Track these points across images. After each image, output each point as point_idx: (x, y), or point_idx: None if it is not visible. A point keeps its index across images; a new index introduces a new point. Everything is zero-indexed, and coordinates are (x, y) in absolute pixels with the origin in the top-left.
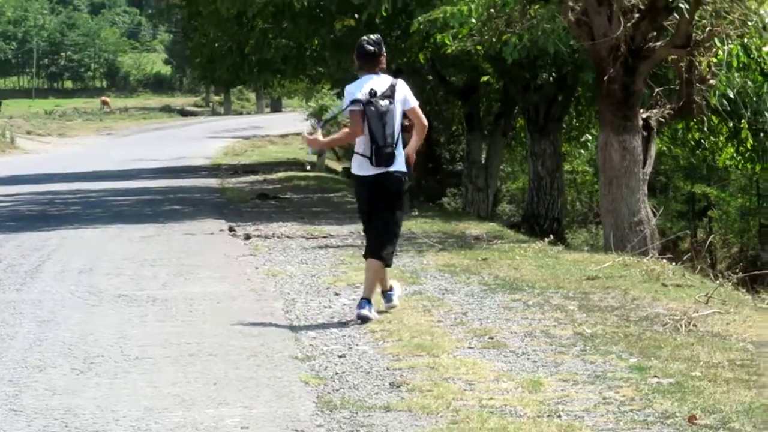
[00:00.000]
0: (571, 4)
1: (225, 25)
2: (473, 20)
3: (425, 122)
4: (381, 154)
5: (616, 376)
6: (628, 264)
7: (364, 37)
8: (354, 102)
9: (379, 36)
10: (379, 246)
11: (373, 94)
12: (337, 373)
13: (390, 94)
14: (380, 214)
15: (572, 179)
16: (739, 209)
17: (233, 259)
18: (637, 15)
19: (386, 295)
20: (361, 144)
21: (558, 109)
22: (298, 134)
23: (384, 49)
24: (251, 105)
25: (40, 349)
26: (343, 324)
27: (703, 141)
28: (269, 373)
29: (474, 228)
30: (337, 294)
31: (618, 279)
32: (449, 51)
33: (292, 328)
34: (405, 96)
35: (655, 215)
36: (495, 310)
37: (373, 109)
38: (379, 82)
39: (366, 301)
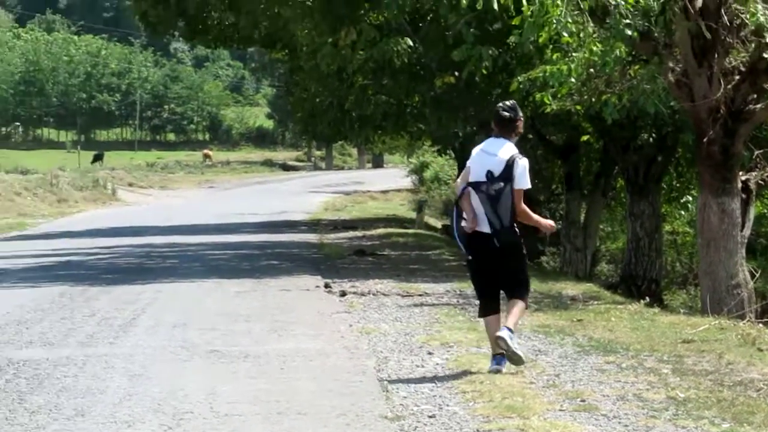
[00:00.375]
0: (671, 65)
1: (325, 81)
2: (573, 80)
3: (521, 209)
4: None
5: None
6: (725, 327)
7: (500, 104)
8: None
9: (514, 102)
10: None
11: (489, 177)
12: None
13: (507, 175)
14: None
15: (672, 240)
16: None
17: (327, 316)
18: (737, 77)
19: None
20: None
21: (657, 170)
22: (398, 191)
23: (520, 114)
24: (353, 160)
25: (129, 404)
26: (434, 383)
27: None
28: None
29: (571, 288)
30: (430, 353)
31: (713, 343)
32: (549, 110)
33: (384, 387)
34: (517, 175)
35: (753, 277)
36: (588, 373)
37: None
38: (503, 150)
39: None
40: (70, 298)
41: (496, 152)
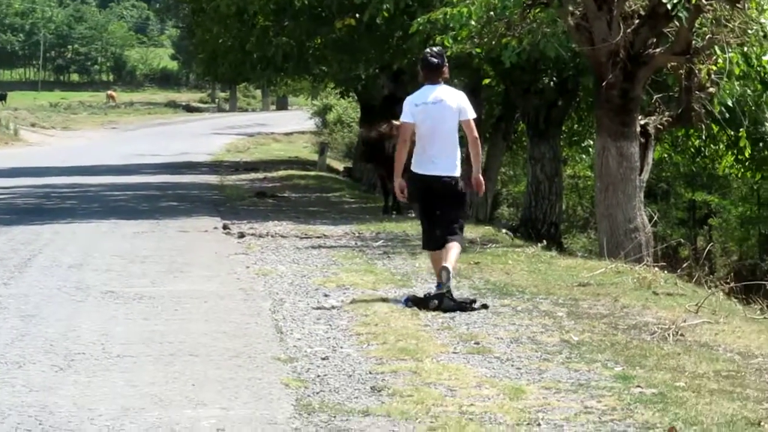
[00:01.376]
0: (571, 8)
1: (227, 22)
2: (473, 23)
3: (476, 134)
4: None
5: (600, 385)
6: (621, 271)
7: (428, 50)
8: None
9: (441, 48)
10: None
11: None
12: (318, 376)
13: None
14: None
15: (574, 184)
16: (740, 218)
17: (225, 258)
18: (637, 21)
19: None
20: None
21: (558, 114)
22: (302, 133)
23: (446, 61)
24: (257, 102)
25: (21, 344)
26: (329, 325)
27: (703, 149)
28: (250, 374)
29: (469, 231)
30: (326, 295)
31: (609, 286)
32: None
33: (278, 329)
34: (461, 105)
35: (652, 222)
36: (483, 315)
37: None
38: (442, 91)
39: None
40: None
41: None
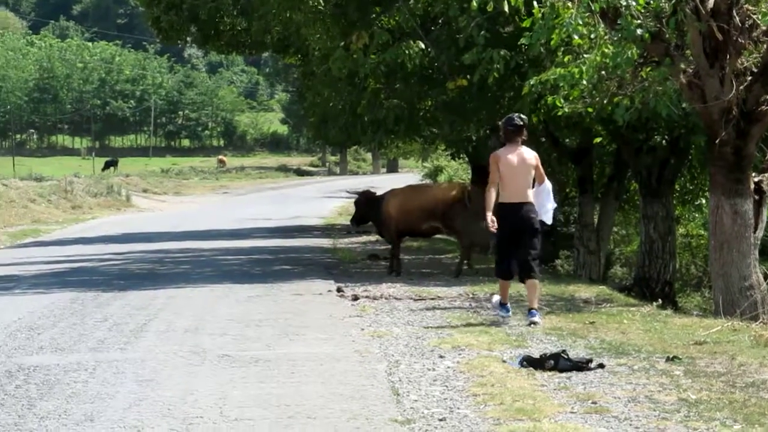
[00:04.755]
0: (683, 66)
1: (337, 85)
2: (584, 82)
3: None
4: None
5: None
6: (737, 329)
7: (514, 114)
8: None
9: (525, 117)
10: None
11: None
12: None
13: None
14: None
15: (687, 243)
16: None
17: (339, 320)
18: (749, 77)
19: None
20: None
21: (670, 172)
22: None
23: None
24: (367, 165)
25: (139, 409)
26: (445, 386)
27: None
28: None
29: (583, 291)
30: (441, 356)
31: (726, 344)
32: (561, 113)
33: (394, 391)
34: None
35: (767, 279)
36: (599, 375)
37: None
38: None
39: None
40: (81, 303)
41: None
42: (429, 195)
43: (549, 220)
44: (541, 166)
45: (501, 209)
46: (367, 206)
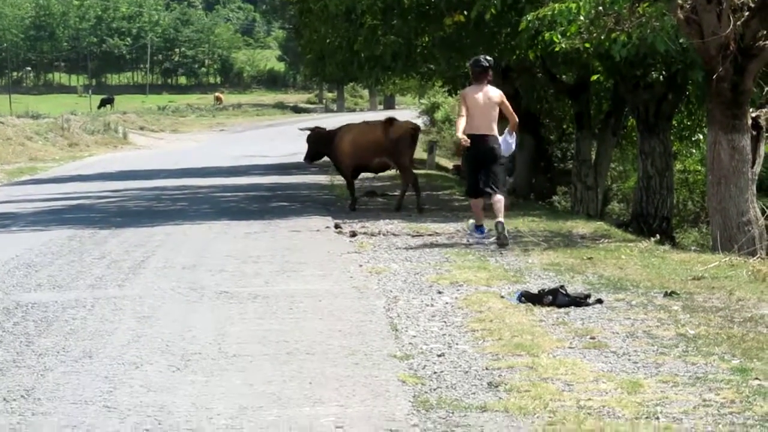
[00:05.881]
0: (680, 1)
1: (334, 22)
2: (581, 18)
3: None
4: None
5: (717, 378)
6: (735, 264)
7: (481, 56)
8: None
9: (491, 59)
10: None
11: None
12: (435, 372)
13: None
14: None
15: (684, 179)
16: None
17: (337, 257)
18: (747, 13)
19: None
20: None
21: (668, 108)
22: None
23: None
24: (364, 102)
25: (137, 345)
26: (444, 322)
27: None
28: (366, 371)
29: (581, 227)
30: (440, 292)
31: (724, 280)
32: (558, 49)
33: (393, 327)
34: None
35: (765, 215)
36: (598, 310)
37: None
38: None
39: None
40: (79, 241)
41: None
42: (378, 131)
43: (506, 153)
44: (507, 102)
45: (468, 139)
46: (319, 143)
